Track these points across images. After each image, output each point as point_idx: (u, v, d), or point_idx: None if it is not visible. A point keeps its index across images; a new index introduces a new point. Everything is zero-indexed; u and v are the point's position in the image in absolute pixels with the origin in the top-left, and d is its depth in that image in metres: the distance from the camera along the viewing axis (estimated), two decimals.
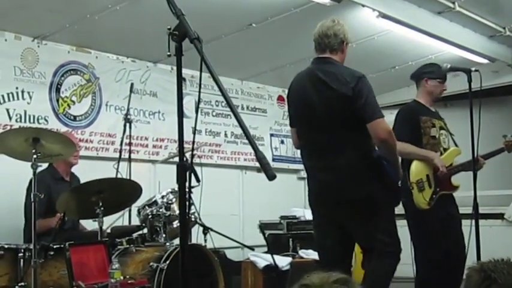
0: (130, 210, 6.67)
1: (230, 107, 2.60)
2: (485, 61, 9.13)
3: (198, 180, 5.86)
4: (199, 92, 3.16)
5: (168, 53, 2.69)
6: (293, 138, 5.29)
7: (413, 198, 6.09)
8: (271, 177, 2.48)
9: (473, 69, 5.63)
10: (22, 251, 5.52)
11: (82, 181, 6.49)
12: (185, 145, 2.80)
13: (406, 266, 6.46)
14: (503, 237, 8.62)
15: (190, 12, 2.74)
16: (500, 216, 9.65)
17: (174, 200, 5.99)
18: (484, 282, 1.92)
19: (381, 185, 4.70)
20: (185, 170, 2.79)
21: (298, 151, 8.25)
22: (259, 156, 2.49)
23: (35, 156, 5.35)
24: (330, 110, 4.69)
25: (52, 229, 5.83)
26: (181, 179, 2.77)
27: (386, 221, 4.80)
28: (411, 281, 6.22)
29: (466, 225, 5.77)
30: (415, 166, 6.14)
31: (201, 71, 2.63)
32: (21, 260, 5.49)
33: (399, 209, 6.25)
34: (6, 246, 5.54)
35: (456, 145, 6.51)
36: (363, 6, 6.94)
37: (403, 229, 6.38)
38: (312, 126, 4.85)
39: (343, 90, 4.60)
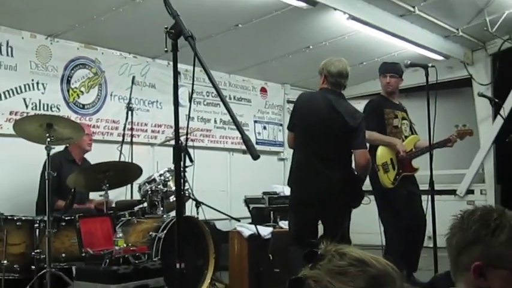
0: (132, 187, 6.67)
1: (220, 96, 2.61)
2: (440, 58, 9.15)
3: (191, 160, 5.95)
4: (193, 84, 3.16)
5: (165, 49, 2.70)
6: (289, 139, 5.48)
7: (379, 179, 6.15)
8: (255, 157, 2.50)
9: (430, 65, 5.65)
10: (37, 222, 5.52)
11: (91, 163, 6.50)
12: (180, 130, 2.80)
13: (375, 235, 6.55)
14: (455, 210, 8.59)
15: (185, 13, 2.73)
16: (453, 192, 9.77)
17: (170, 177, 6.00)
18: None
19: (354, 196, 5.17)
20: (180, 151, 2.78)
21: (279, 135, 8.32)
22: (245, 139, 2.50)
23: (48, 139, 5.34)
24: (337, 134, 5.04)
25: (60, 209, 5.83)
26: (176, 159, 2.74)
27: (348, 219, 5.23)
28: (379, 248, 6.27)
29: (425, 200, 5.82)
30: (381, 151, 6.21)
31: (194, 65, 2.64)
32: (37, 230, 5.50)
33: (367, 186, 6.34)
34: (23, 218, 5.56)
35: (416, 133, 6.57)
36: (335, 9, 6.93)
37: (371, 203, 6.46)
38: (316, 140, 5.09)
39: (351, 123, 5.00)
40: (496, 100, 7.59)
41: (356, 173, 5.19)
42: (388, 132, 6.28)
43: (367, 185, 6.34)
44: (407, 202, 6.19)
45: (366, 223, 6.48)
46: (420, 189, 6.38)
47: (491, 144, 9.60)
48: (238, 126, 2.53)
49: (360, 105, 6.82)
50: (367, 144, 5.36)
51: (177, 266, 2.63)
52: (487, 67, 9.76)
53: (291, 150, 5.49)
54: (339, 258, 1.31)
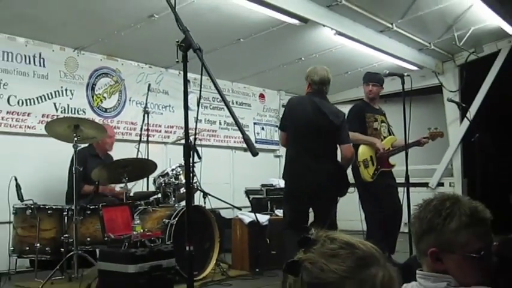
0: (148, 180, 6.65)
1: (224, 101, 2.60)
2: (415, 68, 9.14)
3: (199, 157, 5.94)
4: (200, 90, 3.17)
5: (177, 60, 2.68)
6: (282, 138, 5.48)
7: (360, 173, 6.17)
8: (254, 154, 2.49)
9: (405, 74, 5.66)
10: (66, 210, 5.55)
11: (113, 157, 6.51)
12: (189, 131, 2.79)
13: (356, 221, 6.55)
14: None
15: (193, 29, 2.72)
16: (425, 184, 9.78)
17: (181, 172, 5.99)
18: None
19: (341, 186, 5.21)
20: (189, 149, 2.77)
21: (275, 136, 8.31)
22: (245, 138, 2.49)
23: (75, 138, 5.36)
24: (325, 131, 5.04)
25: (88, 194, 5.83)
26: (186, 155, 2.71)
27: (335, 207, 5.26)
28: (360, 233, 6.26)
29: (401, 192, 5.81)
30: (362, 149, 6.22)
31: (201, 74, 2.62)
32: (65, 218, 5.53)
33: (350, 179, 6.34)
34: (54, 206, 5.60)
35: (393, 134, 6.58)
36: (324, 26, 6.93)
37: (354, 194, 6.46)
38: (308, 138, 5.06)
39: (336, 122, 5.05)
40: (463, 105, 7.59)
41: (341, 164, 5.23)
42: (369, 133, 6.30)
43: (350, 178, 6.39)
44: (385, 193, 6.20)
45: (349, 211, 6.48)
46: (397, 182, 6.38)
47: (459, 143, 9.61)
48: (240, 127, 2.53)
49: (345, 109, 6.85)
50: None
51: (187, 248, 2.58)
52: (455, 76, 9.75)
53: (285, 148, 5.46)
54: (329, 242, 1.30)
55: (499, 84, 9.13)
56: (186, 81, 2.68)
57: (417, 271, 1.94)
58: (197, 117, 4.45)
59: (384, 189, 6.19)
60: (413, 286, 1.98)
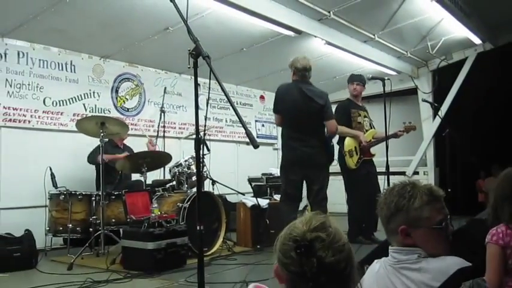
0: (164, 169, 6.66)
1: (229, 102, 2.60)
2: (394, 73, 9.13)
3: (208, 150, 5.94)
4: (209, 92, 3.18)
5: (188, 66, 2.66)
6: (277, 120, 5.48)
7: (345, 162, 6.20)
8: (255, 147, 2.49)
9: (386, 78, 5.65)
10: (94, 196, 5.55)
11: (133, 151, 6.51)
12: (200, 127, 2.79)
13: (341, 205, 6.60)
14: None
15: (203, 40, 2.72)
16: (403, 173, 9.74)
17: (192, 162, 5.98)
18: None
19: (329, 156, 5.33)
20: (200, 143, 2.75)
21: (274, 131, 8.26)
22: (248, 133, 2.50)
23: (102, 134, 5.36)
24: (311, 112, 5.10)
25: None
26: (197, 149, 2.71)
27: (327, 178, 5.31)
28: (345, 215, 6.27)
29: (382, 179, 5.81)
30: (347, 141, 6.26)
31: (210, 79, 2.62)
32: (93, 202, 5.54)
33: (337, 169, 6.36)
34: (83, 192, 5.64)
35: (374, 128, 6.58)
36: (315, 37, 6.93)
37: (341, 181, 6.48)
38: (297, 119, 5.13)
39: (320, 102, 5.12)
40: (435, 104, 7.57)
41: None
42: (353, 126, 6.34)
43: (337, 167, 6.41)
44: (367, 180, 6.24)
45: (338, 196, 6.53)
46: (378, 171, 6.40)
47: (432, 137, 9.60)
48: (243, 124, 2.53)
49: (333, 109, 6.88)
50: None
51: (198, 228, 2.59)
52: (429, 80, 9.75)
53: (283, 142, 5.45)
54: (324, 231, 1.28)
55: (466, 86, 9.13)
56: (196, 85, 2.67)
57: (389, 247, 1.96)
58: (206, 116, 4.44)
59: (365, 175, 6.25)
60: (384, 261, 1.99)
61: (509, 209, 2.18)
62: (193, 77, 2.66)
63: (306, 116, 5.11)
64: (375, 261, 2.03)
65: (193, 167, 5.93)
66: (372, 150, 6.39)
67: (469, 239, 2.93)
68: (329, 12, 6.57)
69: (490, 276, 2.23)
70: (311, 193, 5.26)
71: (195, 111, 2.67)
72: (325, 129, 5.27)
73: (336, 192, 6.64)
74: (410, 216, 1.88)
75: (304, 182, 5.28)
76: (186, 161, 5.98)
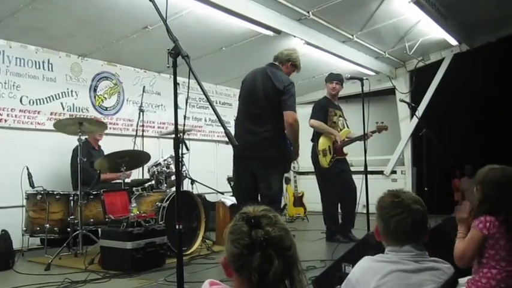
0: (143, 169, 6.64)
1: (209, 101, 2.62)
2: (372, 73, 9.21)
3: (187, 149, 5.92)
4: (188, 92, 3.16)
5: (168, 65, 2.66)
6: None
7: (319, 161, 6.28)
8: (234, 146, 2.51)
9: (364, 78, 5.70)
10: (72, 195, 5.52)
11: (111, 151, 6.39)
12: (179, 126, 2.79)
13: (316, 204, 6.68)
14: (383, 186, 8.75)
15: (182, 39, 2.72)
16: (381, 172, 9.86)
17: (171, 162, 5.96)
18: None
19: (282, 153, 4.66)
20: (179, 142, 2.74)
21: None
22: (227, 132, 2.51)
23: (80, 133, 5.33)
24: (267, 95, 4.61)
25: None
26: (176, 148, 2.70)
27: (276, 177, 4.64)
28: (320, 214, 6.34)
29: (360, 178, 5.86)
30: (322, 140, 6.37)
31: (189, 78, 2.62)
32: (71, 201, 5.50)
33: (311, 167, 6.42)
34: (61, 192, 5.60)
35: (348, 127, 6.68)
36: (295, 36, 6.95)
37: (314, 180, 6.55)
38: (252, 102, 4.70)
39: (278, 86, 4.57)
40: (413, 105, 7.68)
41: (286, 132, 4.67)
42: (328, 125, 6.45)
43: (311, 166, 6.46)
44: (341, 177, 6.33)
45: (315, 196, 6.60)
46: (357, 170, 6.49)
47: (409, 137, 9.72)
48: (222, 123, 2.53)
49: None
50: (296, 112, 4.66)
51: (177, 227, 2.58)
52: (406, 80, 9.86)
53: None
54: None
55: (443, 87, 9.26)
56: (176, 84, 2.66)
57: None
58: (185, 115, 4.39)
59: (339, 173, 6.33)
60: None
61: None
62: (172, 76, 2.66)
63: (260, 98, 4.63)
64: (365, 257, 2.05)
65: (172, 166, 5.92)
66: (345, 149, 6.47)
67: (445, 237, 3.00)
68: (308, 12, 6.61)
69: (460, 250, 2.42)
70: (260, 193, 4.69)
71: (174, 111, 2.67)
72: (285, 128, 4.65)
73: (312, 191, 6.72)
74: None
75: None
76: (165, 160, 5.96)
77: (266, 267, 1.31)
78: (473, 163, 9.28)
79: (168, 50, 2.64)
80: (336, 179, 6.30)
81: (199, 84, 2.60)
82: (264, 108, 4.61)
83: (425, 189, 6.85)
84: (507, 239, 2.41)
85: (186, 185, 6.33)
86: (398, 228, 1.97)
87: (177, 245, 2.59)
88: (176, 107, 2.69)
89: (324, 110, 6.47)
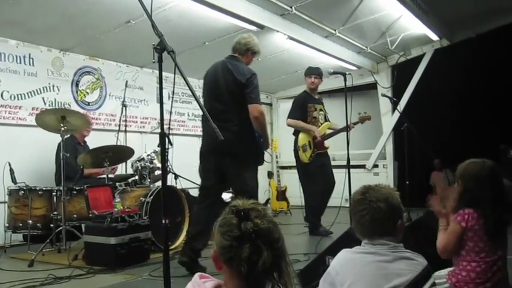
0: (126, 164, 6.62)
1: (194, 95, 2.62)
2: (354, 68, 9.28)
3: (171, 144, 5.84)
4: (174, 87, 3.15)
5: (153, 61, 2.65)
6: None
7: (299, 156, 6.34)
8: (219, 139, 2.52)
9: (347, 73, 5.72)
10: (55, 191, 5.48)
11: (93, 146, 6.38)
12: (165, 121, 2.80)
13: (298, 198, 6.74)
14: (365, 180, 8.83)
15: (165, 33, 2.72)
16: (363, 166, 9.94)
17: (155, 157, 5.97)
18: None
19: (252, 148, 4.48)
20: (165, 137, 2.76)
21: None
22: (213, 127, 2.52)
23: (63, 129, 5.28)
24: (230, 90, 4.38)
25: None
26: (162, 143, 2.73)
27: (250, 172, 4.47)
28: (301, 208, 6.39)
29: (342, 172, 5.90)
30: (301, 136, 6.45)
31: (174, 73, 2.63)
32: (54, 197, 5.45)
33: (293, 162, 6.54)
34: (44, 188, 5.53)
35: (329, 121, 6.72)
36: (278, 31, 6.98)
37: (297, 174, 6.59)
38: (216, 98, 4.47)
39: (240, 79, 4.35)
40: (395, 99, 7.75)
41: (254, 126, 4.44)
42: (308, 121, 6.50)
43: (292, 161, 6.52)
44: (321, 171, 6.39)
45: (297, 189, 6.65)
46: (339, 164, 6.56)
47: (391, 131, 9.81)
48: (208, 117, 2.56)
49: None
50: (261, 105, 4.49)
51: (163, 221, 2.58)
52: (388, 75, 9.96)
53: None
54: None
55: (424, 81, 9.36)
56: (161, 79, 2.67)
57: None
58: (171, 110, 4.37)
59: (319, 167, 6.39)
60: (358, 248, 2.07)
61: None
62: (154, 71, 2.67)
63: (224, 93, 4.43)
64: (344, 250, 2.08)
65: (155, 161, 5.92)
66: (330, 143, 6.53)
67: (425, 229, 3.07)
68: (291, 7, 6.64)
69: (442, 244, 2.53)
70: (235, 190, 4.64)
71: (160, 106, 2.68)
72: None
73: (295, 185, 6.77)
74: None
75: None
76: (148, 155, 5.95)
77: (255, 258, 1.35)
78: (454, 157, 9.41)
79: (154, 45, 2.62)
80: (317, 173, 6.36)
81: (184, 79, 2.61)
82: (228, 103, 4.40)
83: (407, 182, 6.94)
84: (485, 231, 2.48)
85: (170, 180, 6.31)
86: (360, 224, 2.06)
87: (163, 238, 2.60)
88: (162, 102, 2.70)
89: (302, 107, 6.52)
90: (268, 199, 9.25)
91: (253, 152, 4.49)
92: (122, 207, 4.95)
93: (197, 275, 1.51)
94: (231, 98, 4.38)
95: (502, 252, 2.54)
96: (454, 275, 2.56)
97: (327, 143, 6.54)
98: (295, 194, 7.12)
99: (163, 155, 2.58)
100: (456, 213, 2.54)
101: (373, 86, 9.97)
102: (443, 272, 2.61)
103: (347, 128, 5.83)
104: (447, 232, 2.58)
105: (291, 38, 7.28)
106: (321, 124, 6.56)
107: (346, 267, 1.97)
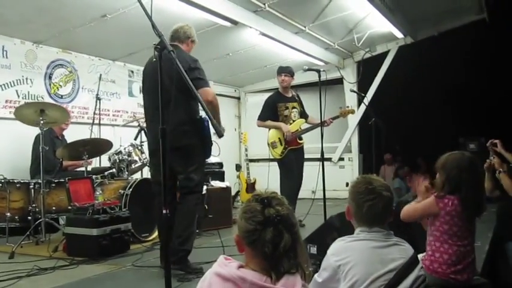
0: (100, 157, 6.68)
1: (193, 92, 2.71)
2: (322, 63, 9.46)
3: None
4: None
5: (154, 59, 2.74)
6: None
7: (271, 152, 6.52)
8: (220, 136, 2.63)
9: (322, 69, 5.86)
10: (32, 184, 5.47)
11: (67, 139, 6.45)
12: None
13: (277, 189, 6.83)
14: (332, 173, 9.13)
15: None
16: (329, 159, 10.16)
17: (132, 150, 6.02)
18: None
19: (199, 140, 4.25)
20: (165, 132, 2.74)
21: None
22: (214, 124, 2.62)
23: (42, 122, 5.29)
24: (173, 80, 3.76)
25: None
26: (163, 138, 2.69)
27: (198, 166, 4.29)
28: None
29: (312, 165, 6.07)
30: (270, 133, 6.63)
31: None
32: (32, 190, 5.45)
33: (262, 155, 6.70)
34: (21, 181, 5.53)
35: (302, 117, 6.82)
36: (250, 27, 7.10)
37: (265, 167, 6.79)
38: (155, 89, 3.71)
39: (184, 65, 3.62)
40: (363, 94, 7.96)
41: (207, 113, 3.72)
42: (280, 120, 6.58)
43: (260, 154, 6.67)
44: (294, 165, 6.53)
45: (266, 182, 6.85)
46: (312, 157, 6.77)
47: (356, 125, 10.09)
48: (209, 115, 2.61)
49: (264, 96, 7.30)
50: (210, 87, 4.27)
51: (163, 212, 2.58)
52: (354, 70, 10.24)
53: None
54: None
55: (388, 77, 9.68)
56: (161, 79, 2.71)
57: None
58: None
59: (293, 161, 6.53)
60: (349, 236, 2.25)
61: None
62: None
63: (167, 85, 3.78)
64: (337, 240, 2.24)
65: (133, 154, 5.98)
66: (304, 137, 6.68)
67: (396, 218, 3.31)
68: (264, 4, 6.76)
69: (410, 210, 2.85)
70: (180, 185, 4.34)
71: (160, 102, 2.74)
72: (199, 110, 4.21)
73: (264, 177, 6.97)
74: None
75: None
76: (125, 148, 6.00)
77: (277, 240, 1.55)
78: (416, 150, 9.80)
79: (155, 44, 2.74)
80: (292, 167, 6.48)
81: (183, 75, 2.70)
82: (171, 94, 3.79)
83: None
84: (462, 217, 2.72)
85: (146, 173, 6.39)
86: (371, 212, 2.20)
87: (164, 229, 2.68)
88: (162, 99, 2.76)
89: (271, 107, 6.62)
90: (238, 191, 9.40)
91: (199, 145, 4.29)
92: (103, 199, 5.02)
93: (222, 256, 1.66)
94: (175, 89, 3.75)
95: (471, 238, 2.79)
96: (428, 257, 2.80)
97: (303, 137, 6.68)
98: (265, 186, 7.28)
99: (164, 149, 2.62)
100: (440, 199, 2.76)
101: (339, 81, 10.20)
102: (419, 256, 2.84)
103: (322, 124, 5.99)
104: (421, 203, 2.86)
105: (263, 34, 7.41)
106: (293, 121, 6.67)
107: (344, 255, 2.12)
